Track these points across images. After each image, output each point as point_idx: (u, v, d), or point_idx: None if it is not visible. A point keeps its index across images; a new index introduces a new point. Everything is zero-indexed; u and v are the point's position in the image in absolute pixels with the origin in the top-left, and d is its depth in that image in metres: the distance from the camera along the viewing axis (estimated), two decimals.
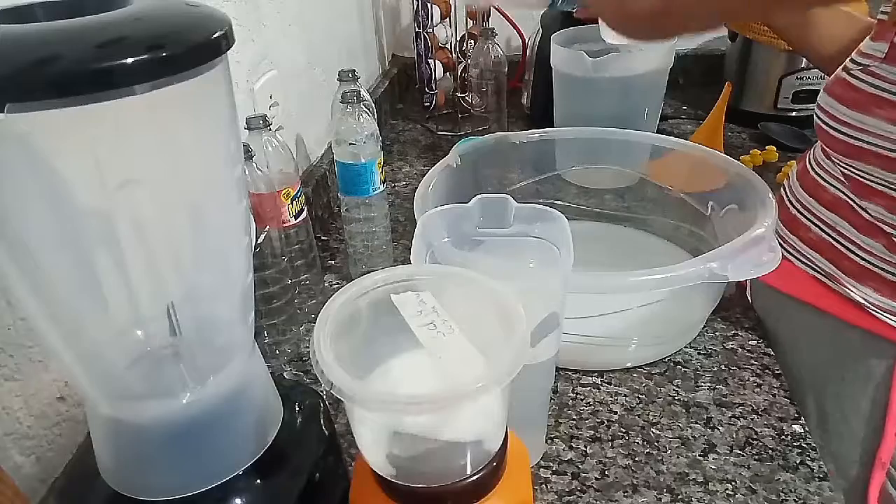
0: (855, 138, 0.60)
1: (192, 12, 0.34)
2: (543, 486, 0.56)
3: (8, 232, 0.34)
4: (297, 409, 0.50)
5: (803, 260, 0.69)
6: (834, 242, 0.65)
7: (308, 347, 0.59)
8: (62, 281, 0.37)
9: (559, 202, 0.92)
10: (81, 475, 0.44)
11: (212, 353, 0.45)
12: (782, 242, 0.71)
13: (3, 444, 0.47)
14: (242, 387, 0.43)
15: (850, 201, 0.63)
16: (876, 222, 0.61)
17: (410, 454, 0.40)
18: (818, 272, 0.68)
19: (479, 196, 0.53)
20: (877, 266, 0.62)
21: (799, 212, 0.70)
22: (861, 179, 0.62)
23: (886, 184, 0.59)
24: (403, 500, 0.40)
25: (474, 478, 0.39)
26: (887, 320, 0.63)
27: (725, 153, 0.82)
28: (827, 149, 0.66)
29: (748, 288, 0.78)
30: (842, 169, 0.64)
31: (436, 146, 1.23)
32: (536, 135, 0.90)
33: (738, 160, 0.80)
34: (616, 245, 0.91)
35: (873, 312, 0.64)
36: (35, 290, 0.36)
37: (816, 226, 0.67)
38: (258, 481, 0.43)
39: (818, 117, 0.66)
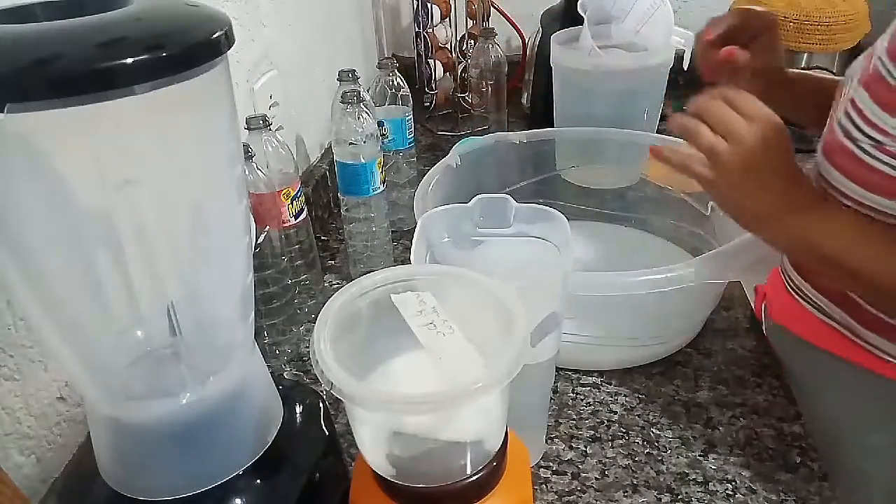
0: (865, 215, 0.54)
1: (192, 12, 0.34)
2: (543, 486, 0.56)
3: (8, 232, 0.34)
4: (297, 409, 0.50)
5: (819, 306, 0.65)
6: (851, 293, 0.61)
7: (308, 347, 0.59)
8: (62, 281, 0.37)
9: (559, 202, 0.92)
10: (81, 475, 0.44)
11: (212, 353, 0.45)
12: (795, 287, 0.68)
13: (3, 444, 0.47)
14: (242, 387, 0.43)
15: None
16: None
17: (410, 454, 0.40)
18: (834, 321, 0.64)
19: (479, 196, 0.53)
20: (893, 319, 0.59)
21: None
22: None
23: None
24: (403, 500, 0.40)
25: (474, 478, 0.39)
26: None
27: None
28: None
29: (762, 324, 0.75)
30: None
31: (436, 146, 1.23)
32: (536, 135, 0.90)
33: None
34: (616, 245, 0.91)
35: (890, 359, 0.60)
36: (35, 291, 0.36)
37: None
38: (258, 481, 0.43)
39: (819, 181, 0.59)
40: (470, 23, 1.31)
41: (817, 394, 0.67)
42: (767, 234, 0.55)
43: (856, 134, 0.54)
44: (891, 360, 0.60)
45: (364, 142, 0.75)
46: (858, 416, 0.65)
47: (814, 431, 0.61)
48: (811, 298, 0.66)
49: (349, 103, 0.73)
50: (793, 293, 0.69)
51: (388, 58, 0.92)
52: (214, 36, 0.33)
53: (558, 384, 0.67)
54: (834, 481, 0.56)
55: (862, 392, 0.64)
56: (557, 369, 0.66)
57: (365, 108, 0.75)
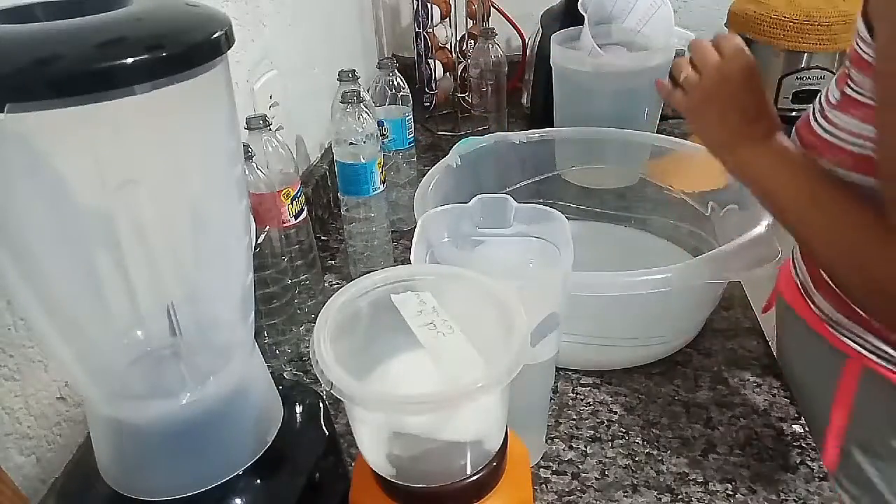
0: (825, 169, 0.57)
1: (192, 12, 0.34)
2: (543, 486, 0.56)
3: (8, 232, 0.34)
4: (297, 409, 0.50)
5: (796, 265, 0.69)
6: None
7: (308, 347, 0.59)
8: (62, 281, 0.37)
9: (559, 202, 0.92)
10: (81, 475, 0.44)
11: (212, 353, 0.45)
12: (795, 253, 0.71)
13: (3, 444, 0.47)
14: (242, 387, 0.43)
15: None
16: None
17: (410, 454, 0.40)
18: (798, 278, 0.68)
19: (479, 196, 0.53)
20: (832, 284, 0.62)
21: None
22: None
23: None
24: (403, 500, 0.40)
25: (474, 478, 0.39)
26: (840, 336, 0.62)
27: None
28: None
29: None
30: None
31: (436, 146, 1.23)
32: (536, 135, 0.90)
33: None
34: (616, 245, 0.91)
35: (830, 327, 0.63)
36: (35, 291, 0.36)
37: None
38: (258, 481, 0.43)
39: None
40: (470, 23, 1.31)
41: (785, 346, 0.71)
42: (722, 161, 0.58)
43: (815, 105, 0.60)
44: (826, 320, 0.64)
45: (364, 142, 0.75)
46: (807, 371, 0.69)
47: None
48: (797, 260, 0.70)
49: (349, 103, 0.73)
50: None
51: (388, 58, 0.92)
52: (214, 36, 0.33)
53: (558, 384, 0.67)
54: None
55: (809, 347, 0.68)
56: (557, 369, 0.66)
57: (365, 108, 0.75)
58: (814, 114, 0.60)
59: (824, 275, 0.62)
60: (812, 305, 0.65)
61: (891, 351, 0.59)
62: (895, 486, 0.63)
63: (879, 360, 0.60)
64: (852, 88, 0.55)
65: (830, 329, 0.63)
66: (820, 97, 0.61)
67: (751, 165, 0.55)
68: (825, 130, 0.57)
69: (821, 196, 0.51)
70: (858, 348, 0.61)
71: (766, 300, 0.80)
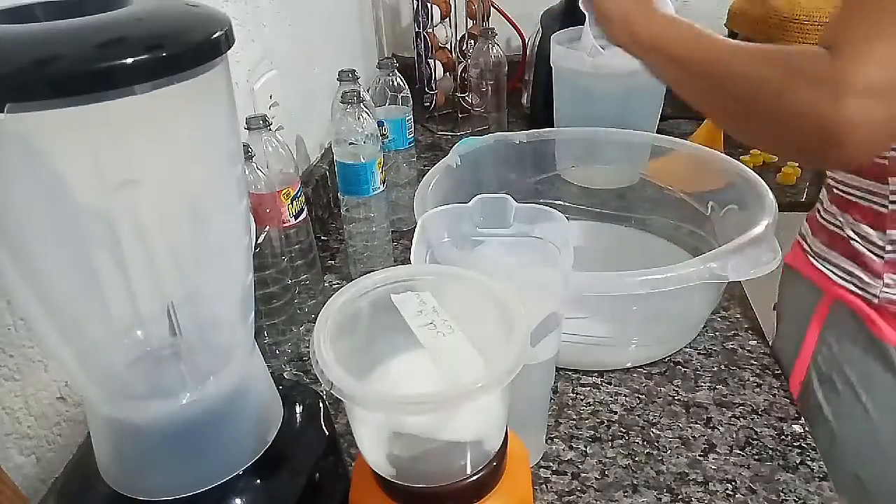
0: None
1: (192, 12, 0.34)
2: (543, 486, 0.56)
3: (8, 232, 0.34)
4: (297, 409, 0.50)
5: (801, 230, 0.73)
6: (817, 204, 0.69)
7: (308, 347, 0.59)
8: (62, 281, 0.37)
9: (559, 202, 0.92)
10: (81, 475, 0.44)
11: (212, 353, 0.45)
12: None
13: (3, 444, 0.47)
14: (242, 387, 0.43)
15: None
16: (829, 180, 0.65)
17: (410, 454, 0.39)
18: (799, 235, 0.71)
19: (479, 196, 0.53)
20: (822, 218, 0.66)
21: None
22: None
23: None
24: (403, 500, 0.40)
25: (474, 478, 0.39)
26: (823, 268, 0.66)
27: (725, 153, 0.82)
28: None
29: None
30: None
31: (436, 146, 1.23)
32: (536, 135, 0.90)
33: (738, 160, 0.80)
34: (616, 245, 0.91)
35: (814, 260, 0.67)
36: (35, 290, 0.36)
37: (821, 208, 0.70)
38: (258, 481, 0.43)
39: None
40: (470, 23, 1.31)
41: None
42: (629, 35, 0.65)
43: None
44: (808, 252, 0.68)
45: (364, 142, 0.75)
46: (785, 309, 0.74)
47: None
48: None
49: (349, 103, 0.73)
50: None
51: (388, 58, 0.92)
52: (214, 36, 0.33)
53: (558, 384, 0.67)
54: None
55: (789, 285, 0.73)
56: (557, 369, 0.66)
57: (365, 108, 0.75)
58: None
59: (817, 215, 0.66)
60: (807, 250, 0.69)
61: (864, 276, 0.62)
62: (842, 421, 0.65)
63: (849, 286, 0.63)
64: None
65: (815, 263, 0.67)
66: None
67: (656, 33, 0.62)
68: None
69: (728, 43, 0.55)
70: (835, 277, 0.64)
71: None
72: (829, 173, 0.66)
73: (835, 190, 0.64)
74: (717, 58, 0.55)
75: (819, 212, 0.68)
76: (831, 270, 0.65)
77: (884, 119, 0.44)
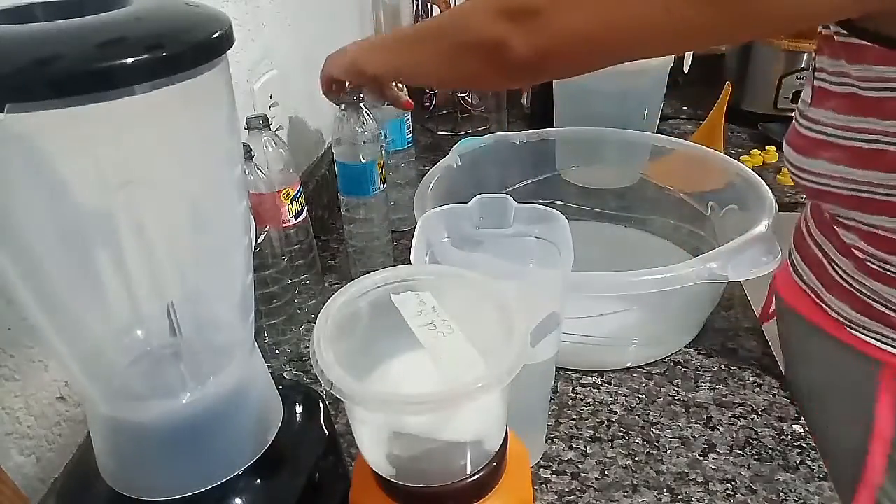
0: (811, 181, 0.59)
1: (192, 12, 0.34)
2: (543, 486, 0.56)
3: (8, 232, 0.34)
4: (297, 409, 0.50)
5: (800, 272, 0.68)
6: (821, 257, 0.64)
7: (308, 347, 0.59)
8: (62, 281, 0.37)
9: (559, 202, 0.92)
10: (81, 475, 0.44)
11: (212, 353, 0.45)
12: (795, 259, 0.70)
13: (3, 444, 0.47)
14: (242, 387, 0.43)
15: (832, 223, 0.62)
16: (850, 246, 0.60)
17: (410, 454, 0.40)
18: (805, 286, 0.67)
19: (479, 196, 0.53)
20: (847, 283, 0.61)
21: (804, 229, 0.69)
22: (831, 214, 0.61)
23: (851, 219, 0.58)
24: (403, 500, 0.40)
25: (474, 478, 0.39)
26: (864, 337, 0.61)
27: (725, 153, 0.82)
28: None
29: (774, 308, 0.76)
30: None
31: (436, 146, 1.23)
32: (536, 135, 0.90)
33: (738, 160, 0.80)
34: (616, 245, 0.91)
35: (851, 329, 0.62)
36: (35, 290, 0.36)
37: (812, 244, 0.66)
38: (258, 481, 0.43)
39: (785, 162, 0.66)
40: None
41: (800, 360, 0.70)
42: (371, 67, 0.67)
43: (795, 112, 0.63)
44: (846, 324, 0.62)
45: (363, 142, 0.75)
46: (827, 385, 0.66)
47: (795, 392, 0.64)
48: (800, 267, 0.69)
49: (349, 104, 0.73)
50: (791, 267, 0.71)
51: None
52: (214, 36, 0.33)
53: (558, 384, 0.67)
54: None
55: (829, 359, 0.66)
56: (557, 369, 0.66)
57: (364, 109, 0.75)
58: (797, 119, 0.62)
59: (837, 277, 0.62)
60: (828, 310, 0.64)
61: None
62: None
63: None
64: (821, 80, 0.56)
65: (852, 332, 0.62)
66: (798, 102, 0.63)
67: (386, 45, 0.67)
68: (810, 129, 0.59)
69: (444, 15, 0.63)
70: (888, 348, 0.60)
71: (762, 309, 0.79)
72: (847, 240, 0.60)
73: (868, 264, 0.58)
74: (425, 28, 0.64)
75: (845, 280, 0.62)
76: (878, 341, 0.60)
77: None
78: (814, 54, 0.60)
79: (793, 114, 0.64)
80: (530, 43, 0.52)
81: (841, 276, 0.62)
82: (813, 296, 0.66)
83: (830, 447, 0.63)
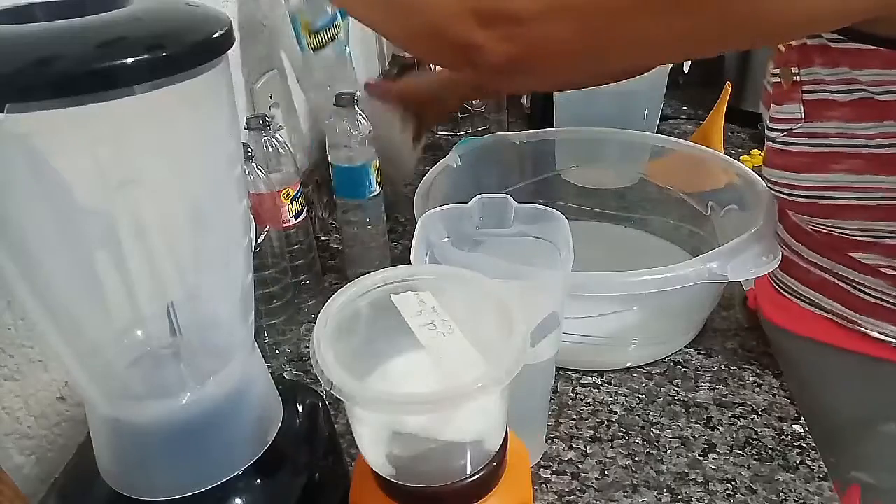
0: (825, 198, 0.58)
1: (192, 12, 0.34)
2: (543, 486, 0.56)
3: (8, 232, 0.34)
4: (297, 409, 0.50)
5: (809, 300, 0.66)
6: (838, 282, 0.62)
7: (308, 347, 0.59)
8: (62, 281, 0.37)
9: (559, 202, 0.92)
10: (81, 475, 0.44)
11: (212, 353, 0.45)
12: (782, 283, 0.69)
13: (3, 444, 0.47)
14: (242, 387, 0.43)
15: (843, 250, 0.60)
16: (876, 266, 0.58)
17: (410, 454, 0.40)
18: (827, 312, 0.65)
19: (479, 196, 0.53)
20: (886, 301, 0.60)
21: (792, 254, 0.67)
22: (846, 235, 0.59)
23: (874, 233, 0.56)
24: (403, 500, 0.40)
25: (474, 478, 0.39)
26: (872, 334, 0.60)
27: (725, 153, 0.82)
28: (801, 215, 0.63)
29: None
30: (822, 229, 0.61)
31: (436, 146, 1.23)
32: (536, 135, 0.90)
33: (738, 160, 0.80)
34: (616, 245, 0.91)
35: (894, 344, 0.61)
36: (35, 290, 0.36)
37: (814, 270, 0.64)
38: (258, 481, 0.43)
39: (775, 191, 0.64)
40: None
41: (824, 388, 0.67)
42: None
43: (770, 133, 0.63)
44: (889, 340, 0.61)
45: (359, 145, 0.75)
46: (871, 404, 0.65)
47: (817, 425, 0.61)
48: (801, 293, 0.67)
49: (343, 106, 0.73)
50: (781, 291, 0.70)
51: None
52: (214, 36, 0.33)
53: (558, 384, 0.67)
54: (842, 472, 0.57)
55: (869, 379, 0.64)
56: (557, 369, 0.66)
57: (359, 111, 0.74)
58: (780, 141, 0.61)
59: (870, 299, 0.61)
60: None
61: None
62: None
63: None
64: (817, 91, 0.55)
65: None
66: (771, 123, 0.63)
67: None
68: (810, 145, 0.57)
69: None
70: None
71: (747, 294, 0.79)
72: (869, 261, 0.59)
73: None
74: None
75: (877, 297, 0.60)
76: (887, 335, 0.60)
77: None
78: (772, 69, 0.58)
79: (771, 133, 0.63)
80: (503, 50, 0.49)
81: (872, 296, 0.60)
82: (839, 320, 0.64)
83: (880, 464, 0.62)
